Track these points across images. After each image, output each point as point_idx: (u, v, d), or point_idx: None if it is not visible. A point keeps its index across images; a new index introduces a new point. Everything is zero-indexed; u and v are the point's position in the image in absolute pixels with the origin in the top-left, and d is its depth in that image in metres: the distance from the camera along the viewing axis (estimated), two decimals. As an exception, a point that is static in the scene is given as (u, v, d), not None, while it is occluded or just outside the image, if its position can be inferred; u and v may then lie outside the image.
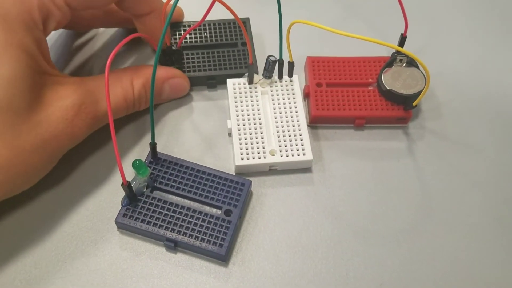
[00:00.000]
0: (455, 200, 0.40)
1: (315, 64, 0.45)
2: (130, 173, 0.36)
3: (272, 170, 0.41)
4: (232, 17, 0.46)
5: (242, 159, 0.39)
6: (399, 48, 0.36)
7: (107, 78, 0.30)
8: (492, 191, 0.40)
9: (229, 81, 0.43)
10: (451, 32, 0.50)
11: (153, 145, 0.36)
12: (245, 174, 0.39)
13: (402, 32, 0.43)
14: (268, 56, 0.41)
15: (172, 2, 0.32)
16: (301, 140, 0.40)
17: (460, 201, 0.40)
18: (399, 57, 0.43)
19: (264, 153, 0.40)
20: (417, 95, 0.41)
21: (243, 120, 0.41)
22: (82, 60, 0.46)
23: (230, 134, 0.41)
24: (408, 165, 0.41)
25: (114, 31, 0.48)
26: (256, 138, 0.40)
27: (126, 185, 0.33)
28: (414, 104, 0.41)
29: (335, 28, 0.34)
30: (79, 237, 0.36)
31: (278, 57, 0.41)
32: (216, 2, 0.34)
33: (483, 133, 0.43)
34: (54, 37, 0.47)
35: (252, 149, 0.40)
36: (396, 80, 0.43)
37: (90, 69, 0.45)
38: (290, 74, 0.43)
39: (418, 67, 0.43)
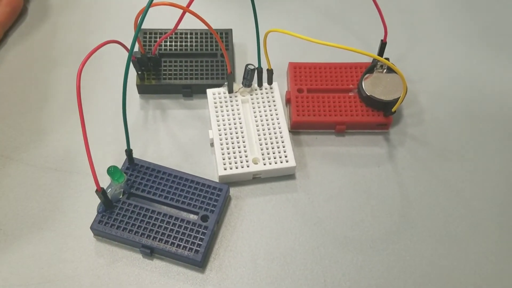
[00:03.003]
0: (434, 206, 0.39)
1: (296, 70, 0.45)
2: (108, 180, 0.37)
3: (256, 178, 0.40)
4: (214, 27, 0.47)
5: (225, 169, 0.39)
6: (375, 56, 0.36)
7: (78, 84, 0.30)
8: (471, 198, 0.40)
9: (209, 91, 0.43)
10: (434, 39, 0.50)
11: (128, 152, 0.36)
12: (228, 183, 0.39)
13: (383, 38, 0.43)
14: (247, 65, 0.41)
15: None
16: (284, 147, 0.41)
17: (440, 208, 0.39)
18: (379, 63, 0.43)
19: (247, 162, 0.40)
20: (397, 101, 0.41)
21: (225, 129, 0.41)
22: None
23: (212, 144, 0.41)
24: (388, 171, 0.41)
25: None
26: (239, 147, 0.40)
27: (100, 192, 0.33)
28: (393, 110, 0.41)
29: (319, 34, 0.34)
30: (56, 243, 0.36)
31: (257, 65, 0.41)
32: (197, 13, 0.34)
33: (464, 140, 0.43)
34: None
35: (234, 158, 0.40)
36: (376, 86, 0.43)
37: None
38: (270, 82, 0.43)
39: (398, 73, 0.43)
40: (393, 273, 0.36)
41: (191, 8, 0.35)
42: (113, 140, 0.41)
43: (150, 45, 0.45)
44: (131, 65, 0.42)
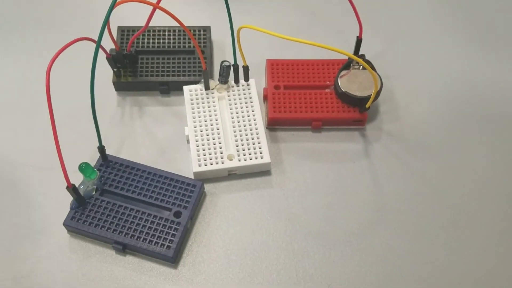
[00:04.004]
0: (408, 202, 0.40)
1: (274, 67, 0.45)
2: (82, 177, 0.37)
3: (232, 175, 0.41)
4: (192, 24, 0.47)
5: (199, 165, 0.39)
6: (346, 53, 0.36)
7: (47, 81, 0.31)
8: (445, 193, 0.40)
9: (186, 88, 0.43)
10: (413, 35, 0.50)
11: (101, 148, 0.37)
12: (204, 180, 0.39)
13: (358, 34, 0.43)
14: (222, 61, 0.41)
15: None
16: (259, 143, 0.41)
17: (414, 203, 0.40)
18: (355, 60, 0.43)
19: (222, 158, 0.40)
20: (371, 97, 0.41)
21: (201, 126, 0.41)
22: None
23: (188, 141, 0.42)
24: (364, 167, 0.41)
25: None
26: (214, 144, 0.40)
27: (71, 188, 0.34)
28: (366, 106, 0.41)
29: (297, 31, 0.35)
30: (29, 239, 0.37)
31: (233, 62, 0.41)
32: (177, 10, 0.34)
33: (439, 136, 0.43)
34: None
35: (210, 154, 0.40)
36: (352, 83, 0.43)
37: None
38: (246, 78, 0.43)
39: (375, 70, 0.43)
40: (367, 267, 0.37)
41: (167, 5, 0.35)
42: (89, 137, 0.41)
43: (127, 42, 0.45)
44: (107, 62, 0.42)
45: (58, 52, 0.32)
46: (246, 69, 0.42)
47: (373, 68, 0.44)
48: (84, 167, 0.35)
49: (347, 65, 0.44)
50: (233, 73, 0.42)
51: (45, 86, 0.31)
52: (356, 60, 0.37)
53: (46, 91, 0.31)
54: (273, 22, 0.50)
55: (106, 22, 0.30)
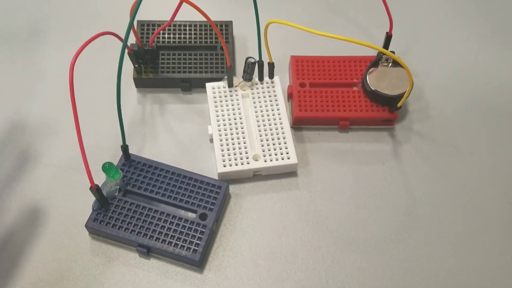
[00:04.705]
0: (440, 205, 0.38)
1: (299, 64, 0.44)
2: (104, 176, 0.35)
3: (256, 176, 0.39)
4: (213, 19, 0.45)
5: (224, 166, 0.38)
6: (380, 48, 0.35)
7: (71, 77, 0.29)
8: (479, 195, 0.39)
9: (208, 85, 0.42)
10: (440, 31, 0.49)
11: (124, 148, 0.35)
12: (228, 181, 0.38)
13: (388, 30, 0.42)
14: (247, 58, 0.39)
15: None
16: (285, 143, 0.39)
17: (445, 206, 0.38)
18: (384, 57, 0.42)
19: (247, 158, 0.38)
20: (402, 95, 0.40)
21: (224, 125, 0.40)
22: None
23: (211, 140, 0.40)
24: (393, 169, 0.40)
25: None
26: (239, 144, 0.39)
27: (95, 189, 0.32)
28: (398, 105, 0.39)
29: (321, 27, 0.33)
30: (50, 242, 0.35)
31: (257, 59, 0.40)
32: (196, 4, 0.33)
33: (471, 135, 0.42)
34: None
35: (234, 155, 0.38)
36: (381, 81, 0.41)
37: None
38: (271, 75, 0.42)
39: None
40: (398, 274, 0.35)
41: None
42: (109, 135, 0.40)
43: (148, 37, 0.44)
44: (128, 58, 0.40)
45: (82, 47, 0.30)
46: (271, 66, 0.41)
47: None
48: (108, 167, 0.33)
49: (376, 62, 0.42)
50: (258, 70, 0.41)
51: (69, 82, 0.29)
52: (392, 56, 0.36)
53: (69, 88, 0.29)
54: (294, 18, 0.49)
55: (135, 15, 0.28)
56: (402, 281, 0.35)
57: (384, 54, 0.42)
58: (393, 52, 0.43)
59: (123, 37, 0.36)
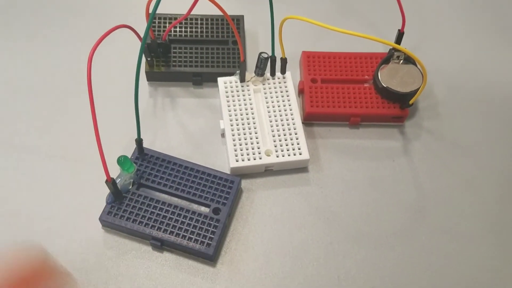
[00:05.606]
0: (450, 201, 0.39)
1: (310, 60, 0.44)
2: (117, 170, 0.35)
3: (268, 171, 0.39)
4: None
5: (237, 161, 0.38)
6: (394, 45, 0.35)
7: (89, 70, 0.29)
8: (488, 193, 0.39)
9: (220, 80, 0.42)
10: (450, 29, 0.49)
11: (139, 141, 0.35)
12: (240, 176, 0.38)
13: (400, 27, 0.42)
14: (260, 53, 0.39)
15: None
16: (297, 139, 0.39)
17: (455, 203, 0.39)
18: (396, 54, 0.42)
19: (259, 153, 0.38)
20: (414, 93, 0.40)
21: (236, 120, 0.40)
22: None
23: (223, 135, 0.40)
24: (403, 165, 0.40)
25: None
26: (251, 139, 0.39)
27: (110, 182, 0.32)
28: (410, 102, 0.40)
29: (331, 24, 0.33)
30: (64, 235, 0.35)
31: (270, 54, 0.40)
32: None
33: (481, 134, 0.42)
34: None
35: (246, 150, 0.38)
36: (393, 77, 0.41)
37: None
38: (283, 71, 0.42)
39: (415, 64, 0.42)
40: (408, 269, 0.36)
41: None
42: (122, 128, 0.40)
43: (159, 30, 0.43)
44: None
45: (99, 40, 0.30)
46: (284, 61, 0.41)
47: (413, 62, 0.42)
48: (123, 160, 0.33)
49: (387, 59, 0.43)
50: (270, 65, 0.41)
51: (87, 75, 0.29)
52: (408, 53, 0.36)
53: (87, 81, 0.29)
54: (304, 15, 0.48)
55: (153, 16, 0.28)
56: (412, 276, 0.35)
57: (396, 50, 0.42)
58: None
59: (137, 30, 0.36)
